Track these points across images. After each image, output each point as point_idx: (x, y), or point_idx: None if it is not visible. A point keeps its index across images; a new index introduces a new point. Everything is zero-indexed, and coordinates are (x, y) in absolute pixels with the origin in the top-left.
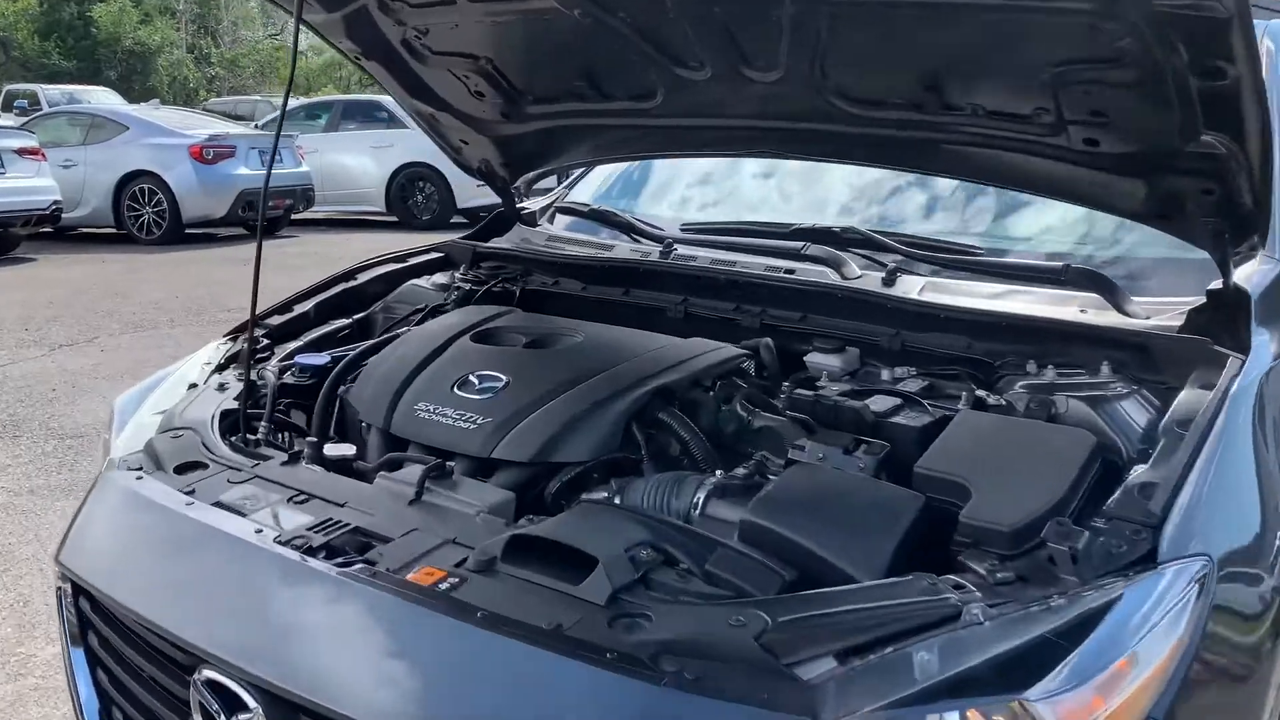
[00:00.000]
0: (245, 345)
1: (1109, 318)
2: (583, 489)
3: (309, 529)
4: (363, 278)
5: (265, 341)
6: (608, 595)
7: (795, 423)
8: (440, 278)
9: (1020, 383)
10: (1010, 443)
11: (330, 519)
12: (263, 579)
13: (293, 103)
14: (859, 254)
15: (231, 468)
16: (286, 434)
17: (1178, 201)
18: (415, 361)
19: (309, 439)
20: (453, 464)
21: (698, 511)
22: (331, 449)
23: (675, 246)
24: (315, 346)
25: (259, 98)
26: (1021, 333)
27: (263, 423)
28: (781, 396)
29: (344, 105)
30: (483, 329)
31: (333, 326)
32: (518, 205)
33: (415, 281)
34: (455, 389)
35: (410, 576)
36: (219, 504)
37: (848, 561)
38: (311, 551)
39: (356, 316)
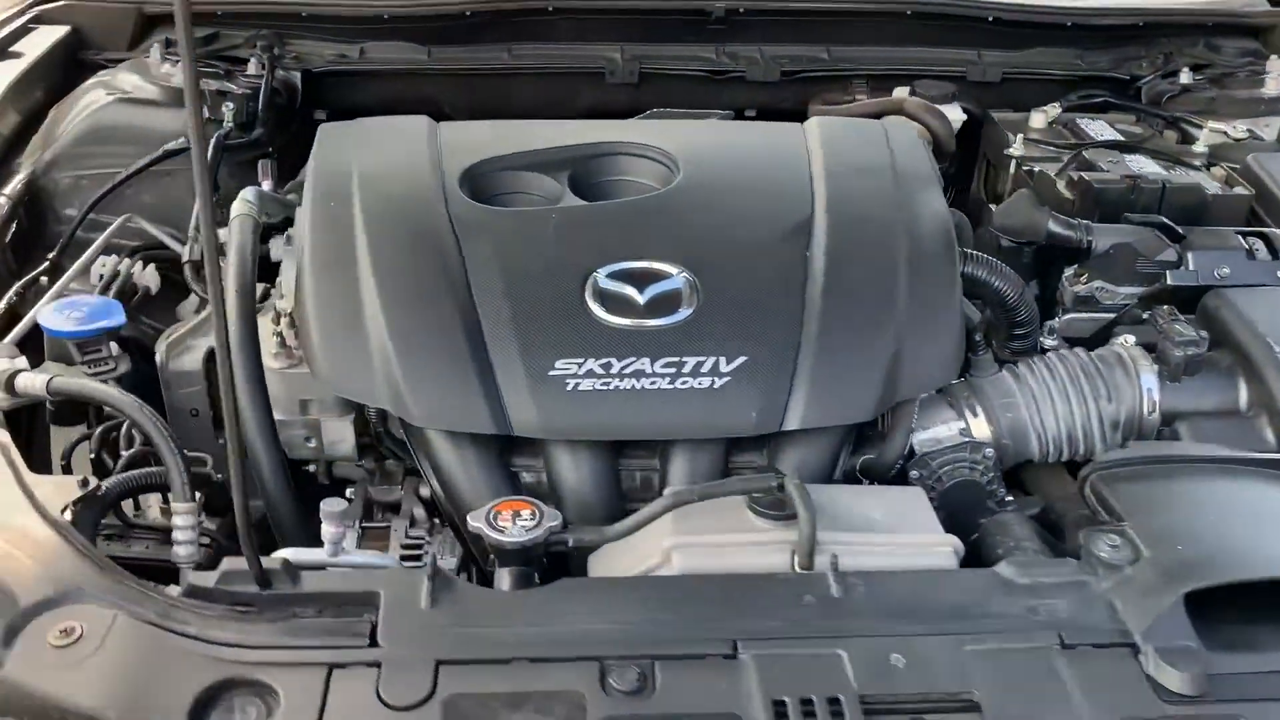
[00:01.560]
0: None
1: None
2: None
3: None
4: None
5: None
6: None
7: (1147, 226)
8: (130, 75)
9: (1204, 96)
10: None
11: None
12: None
13: None
14: None
15: (346, 658)
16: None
17: None
18: (425, 274)
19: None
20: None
21: (1152, 411)
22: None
23: None
24: None
25: None
26: (1144, 32)
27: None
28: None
29: None
30: (470, 172)
31: None
32: None
33: (100, 102)
34: (600, 310)
35: None
36: None
37: None
38: None
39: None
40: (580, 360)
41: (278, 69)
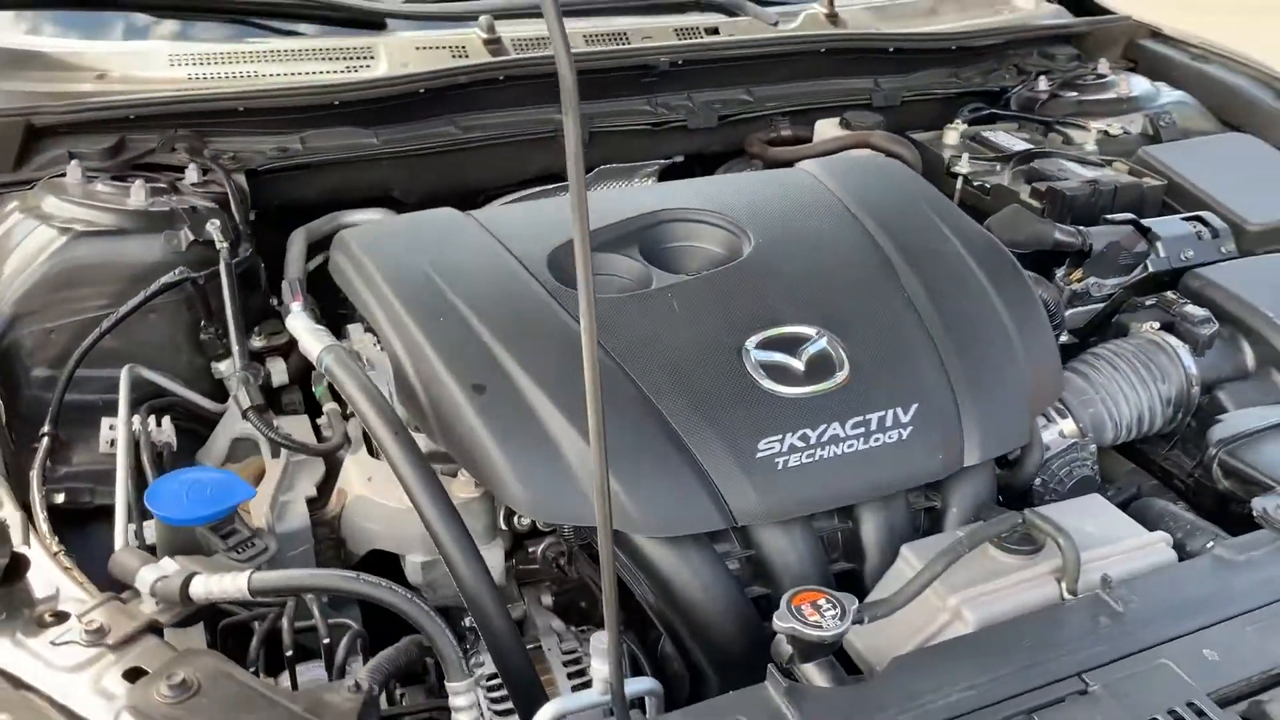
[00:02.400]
0: None
1: (1044, 8)
2: None
3: None
4: None
5: None
6: None
7: (1123, 224)
8: (51, 199)
9: (1073, 100)
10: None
11: None
12: None
13: None
14: None
15: None
16: None
17: None
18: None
19: None
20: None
21: (1194, 385)
22: None
23: (497, 36)
24: None
25: None
26: (1000, 49)
27: None
28: None
29: None
30: (550, 260)
31: None
32: None
33: (58, 241)
34: (768, 382)
35: None
36: None
37: None
38: None
39: None
40: (780, 437)
41: (233, 177)
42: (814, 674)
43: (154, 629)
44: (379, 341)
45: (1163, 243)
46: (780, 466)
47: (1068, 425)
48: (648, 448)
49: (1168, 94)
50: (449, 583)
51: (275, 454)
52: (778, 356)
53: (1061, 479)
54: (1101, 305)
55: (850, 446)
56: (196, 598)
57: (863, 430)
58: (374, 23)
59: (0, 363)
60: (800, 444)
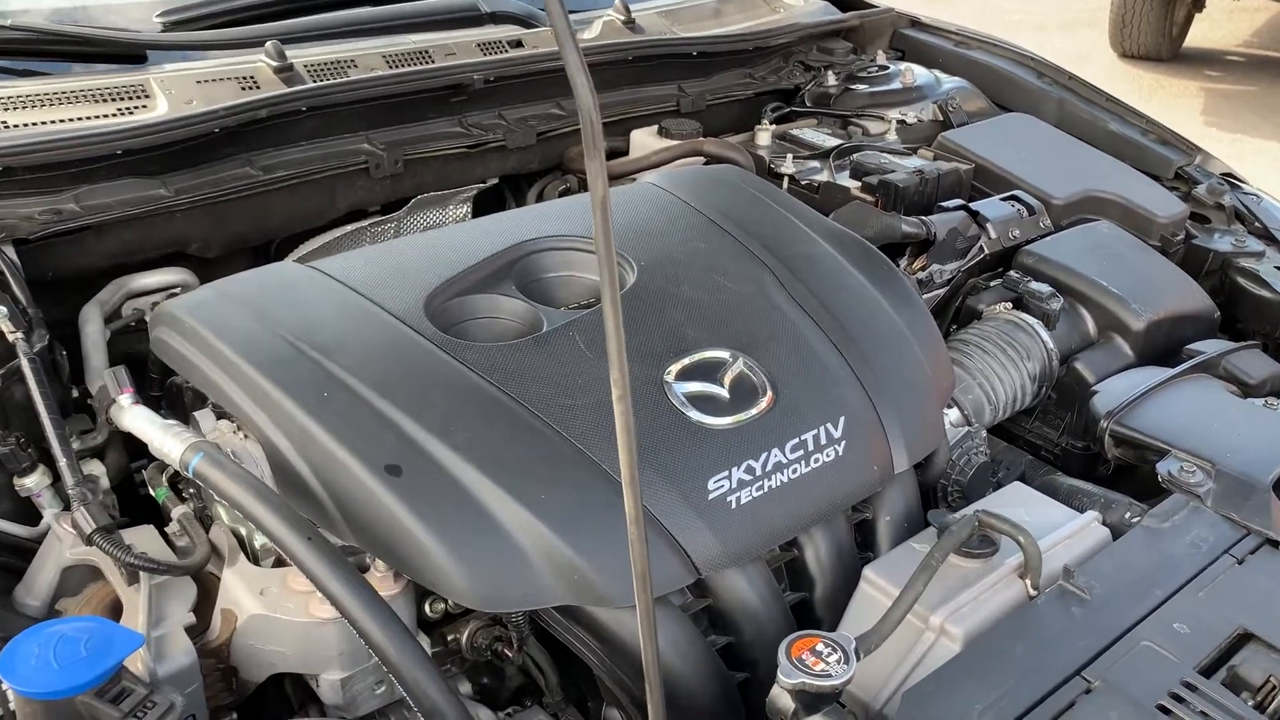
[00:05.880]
0: None
1: (814, 4)
2: None
3: None
4: None
5: None
6: None
7: (957, 211)
8: None
9: (865, 92)
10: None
11: None
12: None
13: None
14: None
15: None
16: None
17: None
18: (513, 438)
19: None
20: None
21: (1053, 359)
22: None
23: (289, 63)
24: None
25: None
26: (787, 46)
27: None
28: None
29: None
30: (429, 307)
31: None
32: None
33: None
34: (698, 414)
35: None
36: None
37: None
38: None
39: None
40: (726, 473)
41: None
42: None
43: None
44: (239, 428)
45: (992, 224)
46: (734, 505)
47: (954, 414)
48: (598, 509)
49: (947, 81)
50: (370, 698)
51: (133, 579)
52: (699, 386)
53: (962, 468)
54: (943, 290)
55: (794, 472)
56: None
57: (802, 453)
58: (133, 55)
59: None
60: (747, 477)
